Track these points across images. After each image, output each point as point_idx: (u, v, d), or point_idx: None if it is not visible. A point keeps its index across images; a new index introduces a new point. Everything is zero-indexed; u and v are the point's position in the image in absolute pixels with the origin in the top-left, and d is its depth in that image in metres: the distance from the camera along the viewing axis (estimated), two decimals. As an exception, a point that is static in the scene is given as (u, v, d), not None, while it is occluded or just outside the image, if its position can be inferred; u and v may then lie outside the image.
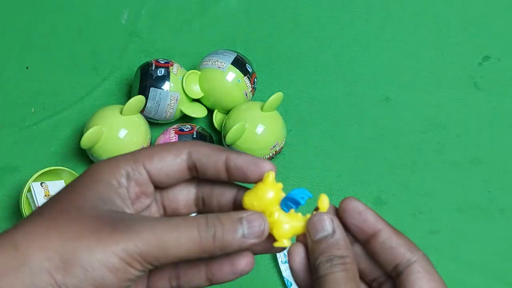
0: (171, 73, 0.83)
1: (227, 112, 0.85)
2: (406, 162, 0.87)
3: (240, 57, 0.85)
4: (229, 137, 0.80)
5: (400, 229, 0.84)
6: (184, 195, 0.46)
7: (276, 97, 0.81)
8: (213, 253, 0.41)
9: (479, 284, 0.80)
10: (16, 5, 0.96)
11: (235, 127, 0.79)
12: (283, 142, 0.84)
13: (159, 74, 0.83)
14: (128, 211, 0.42)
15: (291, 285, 0.78)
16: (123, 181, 0.42)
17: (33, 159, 0.84)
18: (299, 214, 0.44)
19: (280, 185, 0.44)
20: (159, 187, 0.44)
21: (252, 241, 0.41)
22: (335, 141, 0.89)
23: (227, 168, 0.43)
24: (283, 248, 0.43)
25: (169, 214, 0.46)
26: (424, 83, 0.93)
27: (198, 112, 0.85)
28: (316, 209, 0.45)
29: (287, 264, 0.79)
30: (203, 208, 0.46)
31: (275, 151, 0.83)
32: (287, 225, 0.43)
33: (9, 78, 0.91)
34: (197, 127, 0.81)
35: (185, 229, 0.40)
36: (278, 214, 0.43)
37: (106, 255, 0.38)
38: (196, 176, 0.44)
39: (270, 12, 0.98)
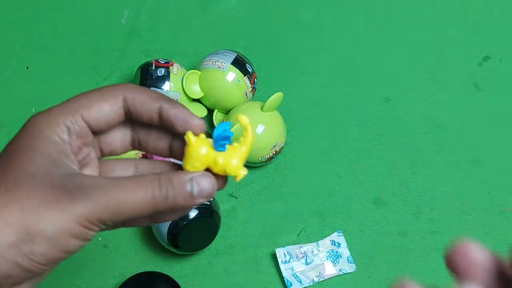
0: (171, 73, 0.83)
1: (227, 112, 0.85)
2: (406, 163, 0.87)
3: (240, 57, 0.85)
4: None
5: (401, 229, 0.85)
6: (120, 138, 0.48)
7: (276, 97, 0.81)
8: (163, 211, 0.44)
9: (479, 285, 0.80)
10: (16, 5, 0.96)
11: (235, 127, 0.79)
12: (283, 142, 0.84)
13: (159, 74, 0.83)
14: (74, 167, 0.44)
15: (291, 285, 0.78)
16: (65, 136, 0.44)
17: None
18: (235, 143, 0.46)
19: (203, 136, 0.46)
20: (96, 133, 0.46)
21: (201, 200, 0.45)
22: (335, 141, 0.89)
23: (160, 118, 0.45)
24: (243, 176, 0.46)
25: (106, 155, 0.48)
26: (425, 84, 0.93)
27: (198, 112, 0.85)
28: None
29: (287, 264, 0.79)
30: (139, 148, 0.48)
31: (275, 151, 0.83)
32: (235, 160, 0.46)
33: (9, 78, 0.91)
34: (197, 127, 0.81)
35: (139, 192, 0.42)
36: (221, 158, 0.45)
37: (68, 224, 0.40)
38: (131, 118, 0.46)
39: (271, 12, 0.98)
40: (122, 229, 0.81)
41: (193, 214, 0.74)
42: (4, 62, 0.92)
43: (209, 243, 0.78)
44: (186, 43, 0.95)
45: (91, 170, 0.47)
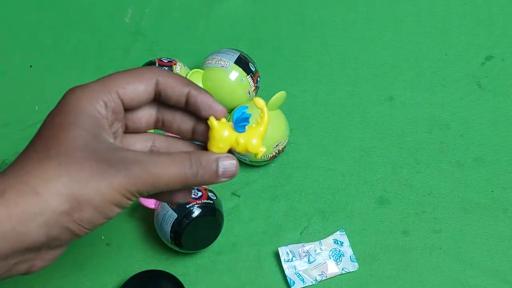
0: (174, 72, 0.83)
1: (230, 111, 0.85)
2: (409, 162, 0.87)
3: (243, 56, 0.85)
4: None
5: (403, 228, 0.85)
6: (146, 117, 0.53)
7: (279, 96, 0.81)
8: (191, 186, 0.50)
9: (482, 284, 0.80)
10: (20, 4, 0.96)
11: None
12: (286, 141, 0.84)
13: (163, 73, 0.83)
14: (111, 140, 0.48)
15: (293, 283, 0.78)
16: (103, 111, 0.48)
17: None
18: (253, 124, 0.51)
19: (224, 120, 0.51)
20: (127, 110, 0.51)
21: (224, 179, 0.50)
22: (338, 140, 0.89)
23: (187, 101, 0.51)
24: (263, 153, 0.53)
25: (130, 131, 0.53)
26: (428, 83, 0.93)
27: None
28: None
29: (290, 263, 0.79)
30: (162, 128, 0.54)
31: (278, 150, 0.83)
32: (255, 139, 0.51)
33: (13, 77, 0.91)
34: (200, 126, 0.81)
35: (174, 168, 0.48)
36: (242, 138, 0.51)
37: (112, 194, 0.46)
38: (158, 99, 0.51)
39: (274, 12, 0.98)
40: (125, 228, 0.81)
41: (196, 212, 0.74)
42: (8, 61, 0.92)
43: (212, 242, 0.78)
44: (189, 42, 0.95)
45: (118, 142, 0.51)
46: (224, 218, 0.79)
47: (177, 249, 0.77)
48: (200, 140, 0.53)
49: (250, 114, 0.51)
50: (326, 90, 0.92)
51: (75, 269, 0.79)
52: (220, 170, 0.50)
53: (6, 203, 0.44)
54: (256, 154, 0.51)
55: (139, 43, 0.94)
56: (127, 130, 0.53)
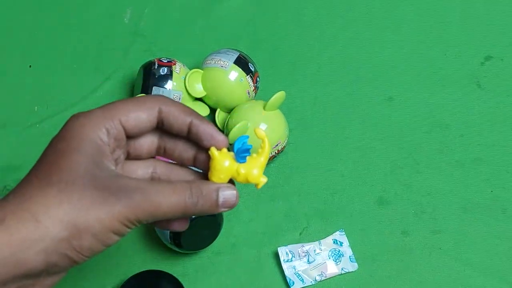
0: (173, 72, 0.83)
1: (229, 111, 0.85)
2: (408, 162, 0.87)
3: (243, 56, 0.85)
4: (232, 136, 0.80)
5: (403, 228, 0.85)
6: (148, 144, 0.53)
7: (278, 96, 0.81)
8: (190, 215, 0.51)
9: (482, 284, 0.80)
10: (19, 4, 0.96)
11: (237, 126, 0.79)
12: (286, 141, 0.84)
13: (162, 73, 0.83)
14: (113, 167, 0.49)
15: (293, 284, 0.78)
16: (105, 138, 0.49)
17: (36, 159, 0.84)
18: (254, 155, 0.53)
19: (225, 150, 0.52)
20: (129, 137, 0.51)
21: (224, 209, 0.51)
22: (337, 141, 0.89)
23: (189, 130, 0.51)
24: (264, 184, 0.54)
25: (132, 158, 0.53)
26: (427, 83, 0.93)
27: (201, 111, 0.85)
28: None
29: (289, 263, 0.79)
30: (164, 155, 0.54)
31: (278, 150, 0.83)
32: (255, 170, 0.52)
33: (12, 77, 0.91)
34: (199, 126, 0.81)
35: (174, 197, 0.49)
36: (243, 169, 0.52)
37: (112, 222, 0.46)
38: (160, 127, 0.52)
39: (273, 12, 0.98)
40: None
41: (195, 213, 0.74)
42: (7, 61, 0.92)
43: (212, 242, 0.78)
44: (188, 42, 0.95)
45: (119, 169, 0.52)
46: (224, 219, 0.79)
47: (176, 249, 0.77)
48: (201, 168, 0.54)
49: (251, 146, 0.52)
50: (325, 90, 0.92)
51: (73, 270, 0.79)
52: (220, 200, 0.51)
53: (7, 229, 0.45)
54: (256, 185, 0.53)
55: (138, 43, 0.94)
56: (129, 157, 0.53)
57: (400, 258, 0.81)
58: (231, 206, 0.51)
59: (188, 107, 0.52)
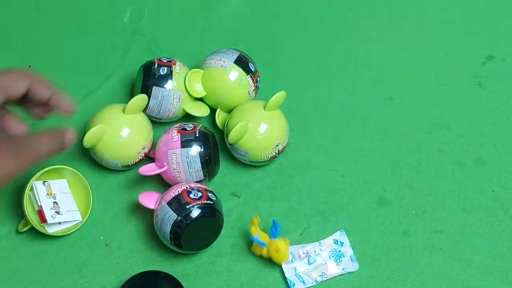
0: (173, 72, 0.83)
1: (229, 111, 0.85)
2: (409, 162, 0.87)
3: (243, 56, 0.85)
4: (232, 136, 0.80)
5: (404, 228, 0.85)
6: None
7: (279, 96, 0.81)
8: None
9: (483, 284, 0.79)
10: (19, 4, 0.96)
11: (237, 126, 0.79)
12: (286, 141, 0.83)
13: (162, 73, 0.83)
14: None
15: (294, 285, 0.78)
16: None
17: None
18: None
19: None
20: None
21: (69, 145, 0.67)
22: (338, 141, 0.88)
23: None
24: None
25: None
26: (428, 83, 0.93)
27: (201, 111, 0.85)
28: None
29: (290, 264, 0.78)
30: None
31: (278, 150, 0.82)
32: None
33: (11, 77, 0.91)
34: (199, 126, 0.81)
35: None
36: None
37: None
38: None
39: (273, 12, 0.98)
40: (124, 228, 0.81)
41: (196, 213, 0.74)
42: (6, 60, 0.92)
43: (212, 243, 0.78)
44: (188, 42, 0.95)
45: None
46: (224, 219, 0.78)
47: (177, 250, 0.77)
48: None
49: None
50: (326, 90, 0.92)
51: (73, 270, 0.79)
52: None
53: None
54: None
55: (138, 43, 0.94)
56: None
57: (401, 258, 0.81)
58: (74, 142, 0.67)
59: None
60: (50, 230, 0.78)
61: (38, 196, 0.77)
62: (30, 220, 0.77)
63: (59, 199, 0.79)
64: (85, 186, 0.81)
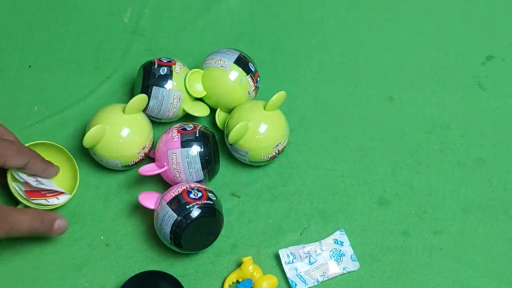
0: (173, 72, 0.83)
1: (229, 111, 0.85)
2: (409, 162, 0.87)
3: (243, 56, 0.85)
4: (232, 136, 0.80)
5: (404, 228, 0.85)
6: None
7: (279, 96, 0.81)
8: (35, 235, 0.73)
9: (483, 285, 0.79)
10: (19, 4, 0.96)
11: (237, 126, 0.79)
12: (286, 142, 0.83)
13: (162, 73, 0.83)
14: None
15: (295, 285, 0.78)
16: None
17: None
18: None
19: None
20: None
21: (58, 233, 0.76)
22: (338, 141, 0.88)
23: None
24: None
25: None
26: (428, 83, 0.93)
27: (201, 111, 0.85)
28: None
29: (291, 265, 0.78)
30: None
31: (278, 151, 0.82)
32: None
33: (12, 77, 0.91)
34: (199, 126, 0.81)
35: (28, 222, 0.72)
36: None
37: None
38: None
39: (274, 11, 0.98)
40: (124, 228, 0.81)
41: (196, 213, 0.74)
42: (6, 61, 0.92)
43: (212, 243, 0.78)
44: (188, 42, 0.95)
45: None
46: (224, 219, 0.78)
47: (177, 249, 0.77)
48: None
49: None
50: (326, 90, 0.92)
51: (73, 270, 0.79)
52: (55, 226, 0.75)
53: None
54: None
55: (138, 43, 0.94)
56: None
57: (400, 258, 0.81)
58: (63, 231, 0.76)
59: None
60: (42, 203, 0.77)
61: (19, 176, 0.76)
62: (23, 201, 0.76)
63: (40, 179, 0.78)
64: (71, 161, 0.81)
